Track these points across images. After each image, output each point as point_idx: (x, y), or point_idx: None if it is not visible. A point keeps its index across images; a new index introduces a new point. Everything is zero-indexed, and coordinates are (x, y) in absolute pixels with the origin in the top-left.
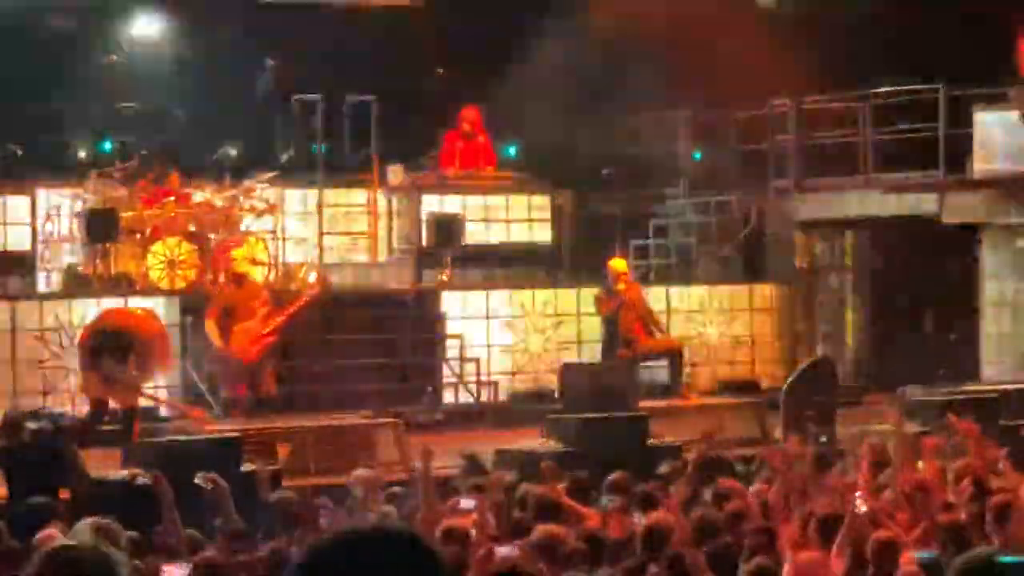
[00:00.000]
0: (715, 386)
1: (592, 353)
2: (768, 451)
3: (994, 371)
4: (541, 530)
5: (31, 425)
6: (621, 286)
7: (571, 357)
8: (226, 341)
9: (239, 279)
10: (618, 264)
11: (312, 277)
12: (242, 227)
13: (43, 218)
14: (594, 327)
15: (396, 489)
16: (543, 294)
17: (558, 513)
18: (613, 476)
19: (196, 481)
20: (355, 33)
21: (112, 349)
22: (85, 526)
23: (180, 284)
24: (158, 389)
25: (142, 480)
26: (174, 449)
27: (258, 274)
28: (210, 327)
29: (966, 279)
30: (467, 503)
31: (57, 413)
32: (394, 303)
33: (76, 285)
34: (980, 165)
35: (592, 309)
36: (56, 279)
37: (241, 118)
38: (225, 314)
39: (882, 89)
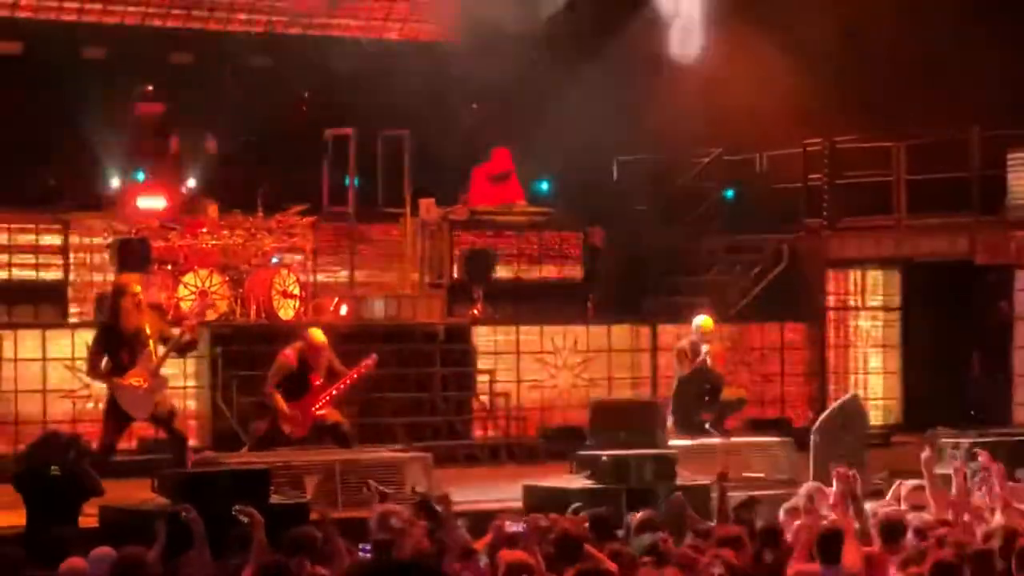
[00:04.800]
0: (745, 425)
1: (620, 389)
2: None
3: None
4: None
5: (55, 452)
6: (707, 347)
7: (601, 394)
8: (282, 413)
9: (309, 355)
10: (707, 324)
11: (343, 310)
12: (274, 260)
13: (75, 248)
14: (624, 364)
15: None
16: (574, 330)
17: (579, 554)
18: (641, 515)
19: (234, 513)
20: (390, 67)
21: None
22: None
23: (211, 315)
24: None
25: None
26: (203, 480)
27: (290, 307)
28: (277, 400)
29: (999, 320)
30: (514, 527)
31: (76, 437)
32: (425, 337)
33: None
34: (1014, 206)
35: (624, 345)
36: (87, 309)
37: (275, 151)
38: (284, 382)
39: (916, 129)
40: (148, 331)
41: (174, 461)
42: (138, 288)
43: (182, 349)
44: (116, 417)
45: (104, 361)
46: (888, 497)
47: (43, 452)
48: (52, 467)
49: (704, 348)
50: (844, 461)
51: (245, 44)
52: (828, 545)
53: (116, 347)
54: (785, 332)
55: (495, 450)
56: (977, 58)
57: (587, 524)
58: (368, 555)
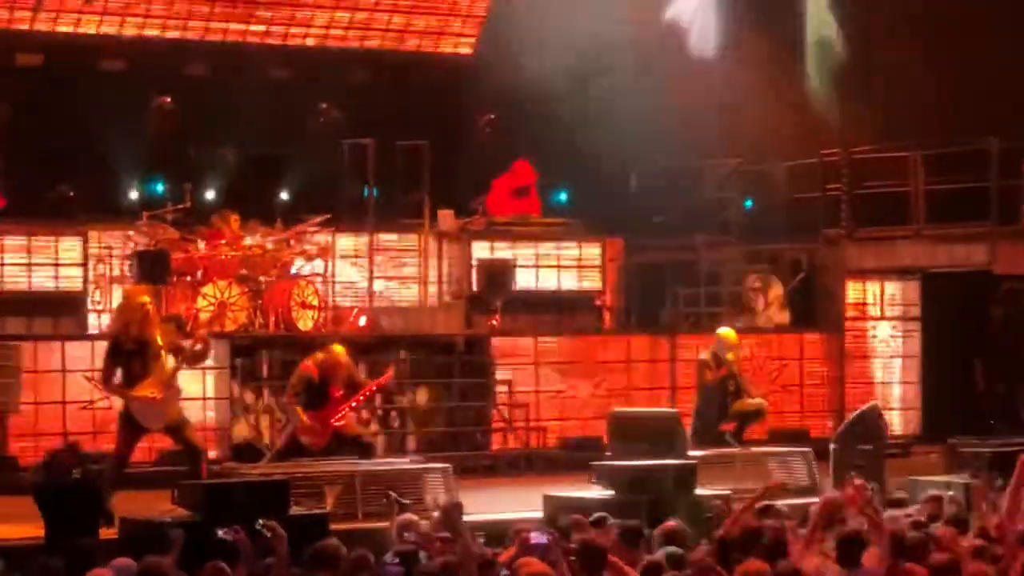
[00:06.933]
0: (764, 435)
1: (639, 400)
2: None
3: None
4: None
5: (74, 465)
6: (731, 356)
7: (620, 404)
8: (302, 424)
9: (330, 368)
10: (730, 335)
11: (362, 321)
12: (293, 270)
13: (94, 259)
14: (642, 375)
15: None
16: (592, 341)
17: (603, 563)
18: (667, 525)
19: (257, 527)
20: (407, 78)
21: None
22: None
23: (230, 326)
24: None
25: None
26: (222, 491)
27: (308, 319)
28: (297, 411)
29: (1017, 330)
30: (538, 538)
31: (97, 455)
32: (443, 348)
33: None
34: None
35: (643, 356)
36: (106, 320)
37: (294, 161)
38: (304, 393)
39: (934, 139)
40: (160, 342)
41: (190, 472)
42: (147, 299)
43: (192, 360)
44: (130, 429)
45: (117, 373)
46: (910, 507)
47: (61, 464)
48: (72, 473)
49: (728, 356)
50: (863, 472)
51: (263, 56)
52: (849, 549)
53: (127, 359)
54: (804, 342)
55: (514, 461)
56: (995, 68)
57: (616, 535)
58: (395, 567)
